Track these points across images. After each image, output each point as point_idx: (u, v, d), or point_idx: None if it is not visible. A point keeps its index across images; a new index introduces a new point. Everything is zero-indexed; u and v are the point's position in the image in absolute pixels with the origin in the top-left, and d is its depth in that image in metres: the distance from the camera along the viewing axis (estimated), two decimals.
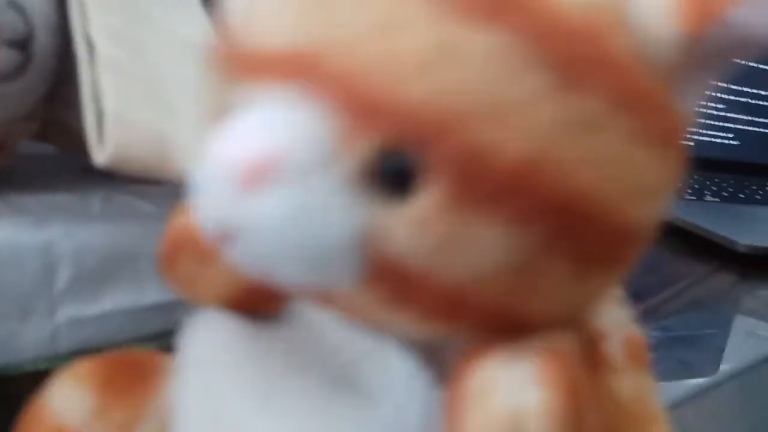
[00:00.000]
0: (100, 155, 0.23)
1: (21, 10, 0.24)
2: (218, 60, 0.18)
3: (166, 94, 0.27)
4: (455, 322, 0.16)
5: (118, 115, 0.23)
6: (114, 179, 0.34)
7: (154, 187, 0.33)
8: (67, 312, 0.28)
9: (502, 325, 0.16)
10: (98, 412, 0.21)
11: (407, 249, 0.14)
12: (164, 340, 0.32)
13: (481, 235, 0.14)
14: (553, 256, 0.14)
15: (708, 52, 0.15)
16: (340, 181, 0.14)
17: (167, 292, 0.31)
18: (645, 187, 0.15)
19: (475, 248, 0.14)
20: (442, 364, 0.19)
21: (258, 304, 0.22)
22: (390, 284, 0.15)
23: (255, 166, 0.14)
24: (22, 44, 0.25)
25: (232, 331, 0.22)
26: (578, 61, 0.14)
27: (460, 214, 0.14)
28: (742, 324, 0.59)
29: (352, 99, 0.14)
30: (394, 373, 0.19)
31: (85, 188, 0.32)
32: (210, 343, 0.22)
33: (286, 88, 0.14)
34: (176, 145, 0.26)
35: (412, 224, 0.14)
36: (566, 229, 0.14)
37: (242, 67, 0.16)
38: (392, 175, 0.14)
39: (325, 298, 0.17)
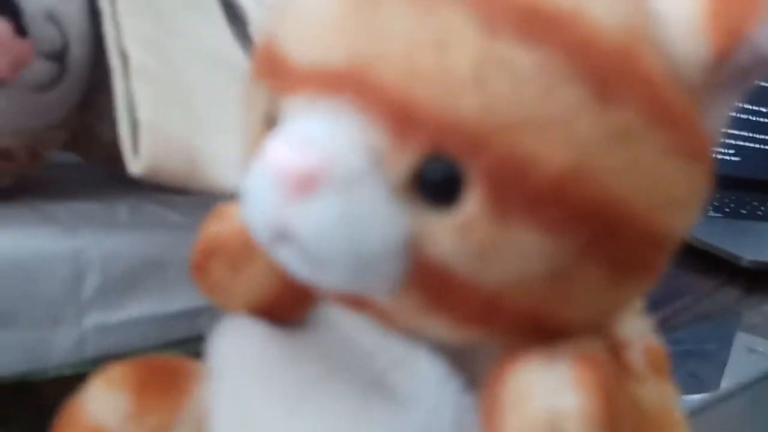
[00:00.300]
0: (135, 166, 0.24)
1: (58, 23, 0.25)
2: (261, 72, 0.18)
3: (196, 104, 0.27)
4: (491, 328, 0.16)
5: (153, 126, 0.24)
6: (141, 189, 0.35)
7: (181, 197, 0.34)
8: (94, 319, 0.29)
9: (535, 330, 0.16)
10: (133, 416, 0.22)
11: (449, 255, 0.15)
12: (189, 346, 0.32)
13: (520, 242, 0.15)
14: (589, 263, 0.15)
15: (734, 71, 0.16)
16: (385, 189, 0.15)
17: (193, 299, 0.32)
18: (676, 198, 0.16)
19: (514, 255, 0.15)
20: (473, 369, 0.19)
21: (287, 309, 0.23)
22: (430, 290, 0.16)
23: (304, 173, 0.15)
24: (59, 56, 0.25)
25: (262, 336, 0.22)
26: (614, 77, 0.14)
27: (500, 221, 0.14)
28: (743, 340, 0.59)
29: (400, 110, 0.14)
30: (426, 378, 0.19)
31: (112, 197, 0.33)
32: (240, 348, 0.22)
33: (334, 100, 0.15)
34: (207, 155, 0.26)
35: (455, 231, 0.15)
36: (602, 237, 0.15)
37: (288, 79, 0.16)
38: (436, 183, 0.15)
39: (362, 303, 0.18)
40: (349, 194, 0.15)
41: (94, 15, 0.27)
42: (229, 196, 0.28)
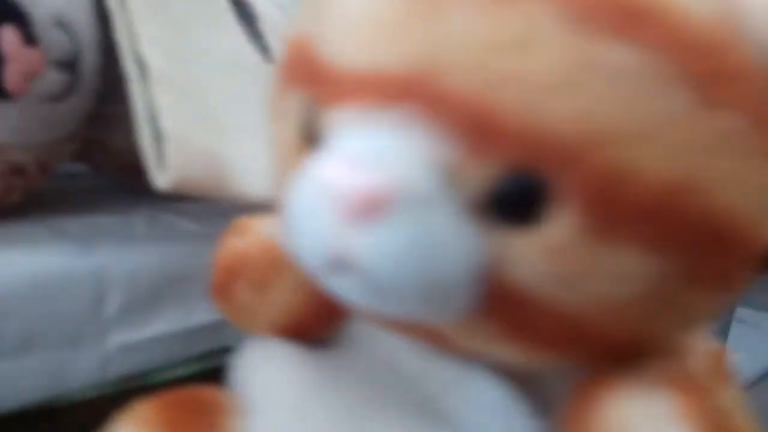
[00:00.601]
0: (162, 179, 0.22)
1: (68, 28, 0.24)
2: (294, 78, 0.17)
3: (216, 110, 0.26)
4: (571, 352, 0.15)
5: (178, 136, 0.22)
6: (154, 198, 0.33)
7: (196, 205, 0.33)
8: (116, 338, 0.27)
9: (618, 351, 0.15)
10: None
11: (534, 278, 0.14)
12: (211, 360, 0.31)
13: (617, 262, 0.13)
14: (689, 280, 0.14)
15: None
16: (459, 208, 0.13)
17: (213, 311, 0.30)
18: None
19: (610, 276, 0.13)
20: (539, 392, 0.18)
21: (315, 328, 0.21)
22: (506, 315, 0.14)
23: (370, 196, 0.13)
24: (70, 64, 0.24)
25: (296, 362, 0.21)
26: (717, 78, 0.13)
27: (595, 240, 0.13)
28: None
29: (475, 121, 0.13)
30: (485, 402, 0.18)
31: (126, 209, 0.31)
32: (275, 378, 0.21)
33: (395, 111, 0.14)
34: (231, 163, 0.25)
35: (542, 252, 0.13)
36: (707, 252, 0.13)
37: (333, 87, 0.15)
38: (517, 200, 0.13)
39: (415, 328, 0.17)
40: (419, 217, 0.13)
41: (104, 21, 0.26)
42: (253, 205, 0.27)
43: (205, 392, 0.22)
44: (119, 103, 0.29)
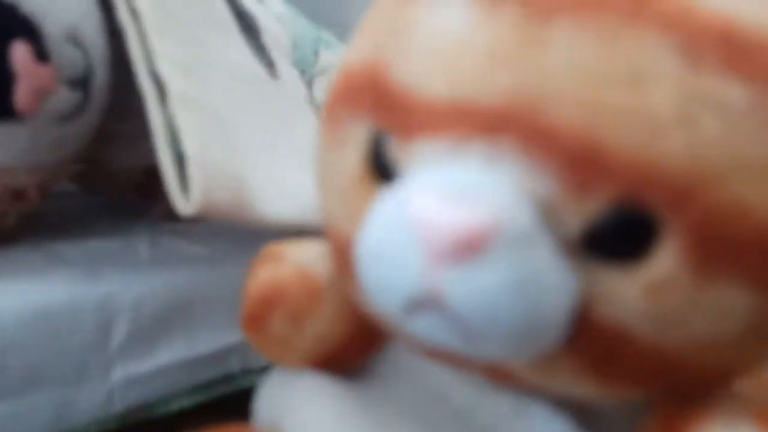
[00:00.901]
0: (186, 205, 0.21)
1: (80, 44, 0.22)
2: (359, 105, 0.16)
3: (235, 130, 0.25)
4: (659, 387, 0.15)
5: (202, 159, 0.21)
6: (152, 220, 0.32)
7: (198, 226, 0.31)
8: (122, 371, 0.26)
9: (708, 385, 0.15)
10: None
11: (631, 316, 0.13)
12: (216, 389, 0.30)
13: (721, 299, 0.13)
14: None
15: None
16: (557, 245, 0.13)
17: (221, 338, 0.29)
18: None
19: (710, 313, 0.13)
20: (598, 426, 0.17)
21: (352, 358, 0.21)
22: (594, 352, 0.14)
23: (469, 234, 0.12)
24: (83, 82, 0.22)
25: (336, 396, 0.20)
26: None
27: (698, 277, 0.13)
28: None
29: (581, 155, 0.12)
30: None
31: (126, 232, 0.30)
32: (314, 413, 0.20)
33: (490, 144, 0.13)
34: (255, 187, 0.24)
35: (642, 290, 0.13)
36: None
37: (414, 118, 0.14)
38: (618, 237, 0.13)
39: (478, 363, 0.16)
40: (518, 257, 0.12)
41: (114, 36, 0.24)
42: (278, 230, 0.25)
43: (238, 429, 0.21)
44: (122, 121, 0.28)
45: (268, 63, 0.31)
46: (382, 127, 0.15)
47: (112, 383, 0.26)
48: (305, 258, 0.20)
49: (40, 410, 0.24)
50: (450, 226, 0.12)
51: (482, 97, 0.13)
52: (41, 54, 0.21)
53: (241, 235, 0.27)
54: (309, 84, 0.37)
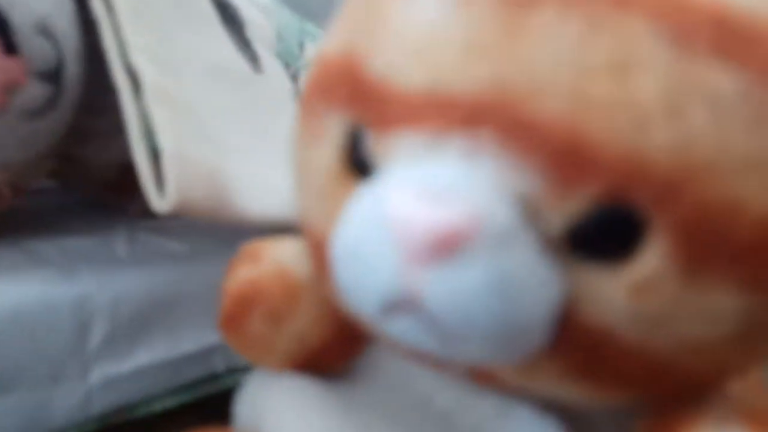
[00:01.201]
0: (161, 202, 0.20)
1: (50, 36, 0.21)
2: (334, 97, 0.15)
3: (211, 124, 0.24)
4: (646, 390, 0.14)
5: (178, 155, 0.20)
6: (129, 215, 0.31)
7: (176, 222, 0.30)
8: (100, 372, 0.25)
9: (699, 388, 0.14)
10: None
11: (616, 318, 0.12)
12: (199, 389, 0.29)
13: (709, 300, 0.12)
14: None
15: None
16: (539, 244, 0.12)
17: (203, 337, 0.28)
18: None
19: (701, 315, 0.12)
20: (586, 428, 0.17)
21: (333, 361, 0.20)
22: (578, 355, 0.13)
23: (446, 233, 0.12)
24: (54, 76, 0.22)
25: (316, 398, 0.19)
26: None
27: (688, 278, 0.12)
28: None
29: (564, 149, 0.12)
30: None
31: (103, 228, 0.29)
32: (294, 416, 0.19)
33: (469, 138, 0.12)
34: (233, 183, 0.23)
35: (628, 290, 0.12)
36: None
37: (390, 110, 0.13)
38: (604, 235, 0.12)
39: (459, 365, 0.15)
40: (497, 256, 0.12)
41: (87, 27, 0.23)
42: (257, 226, 0.25)
43: None
44: (97, 116, 0.27)
45: (252, 56, 0.31)
46: (359, 120, 0.14)
47: (90, 384, 0.25)
48: (285, 256, 0.20)
49: (14, 412, 0.23)
50: (426, 225, 0.12)
51: (460, 88, 0.12)
52: (10, 46, 0.20)
53: (222, 231, 0.27)
54: (294, 78, 0.36)
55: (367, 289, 0.13)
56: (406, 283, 0.12)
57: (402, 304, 0.13)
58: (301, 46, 0.38)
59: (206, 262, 0.28)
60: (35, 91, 0.21)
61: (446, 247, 0.12)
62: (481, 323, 0.12)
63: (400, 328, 0.13)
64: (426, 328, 0.13)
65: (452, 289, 0.12)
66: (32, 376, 0.23)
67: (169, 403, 0.28)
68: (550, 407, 0.17)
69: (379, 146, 0.14)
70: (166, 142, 0.20)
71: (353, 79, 0.14)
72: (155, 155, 0.21)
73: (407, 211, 0.12)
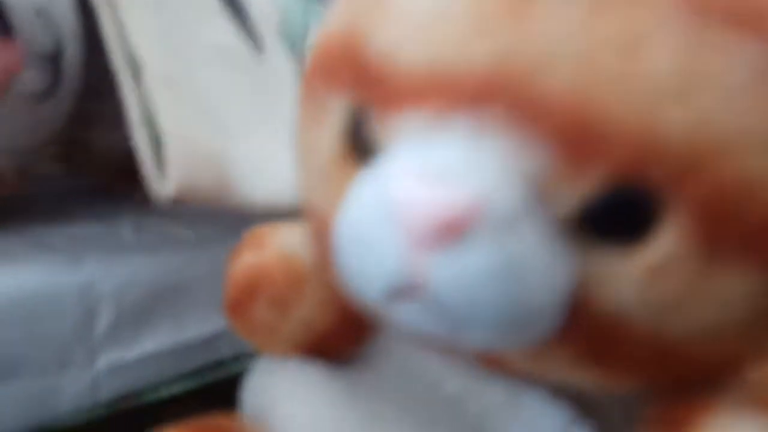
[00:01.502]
0: (163, 187, 0.20)
1: (49, 19, 0.21)
2: (336, 79, 0.15)
3: (213, 107, 0.24)
4: (659, 376, 0.14)
5: (179, 138, 0.20)
6: (137, 200, 0.31)
7: (184, 209, 0.30)
8: (107, 358, 0.25)
9: (712, 373, 0.14)
10: None
11: (629, 302, 0.12)
12: (206, 375, 0.29)
13: (725, 283, 0.12)
14: None
15: None
16: (549, 226, 0.12)
17: (209, 323, 0.28)
18: None
19: (717, 299, 0.12)
20: (595, 415, 0.17)
21: (341, 347, 0.20)
22: (590, 340, 0.13)
23: (451, 217, 0.11)
24: (53, 59, 0.21)
25: (324, 385, 0.19)
26: None
27: (706, 260, 0.12)
28: None
29: (574, 127, 0.11)
30: (539, 426, 0.17)
31: (110, 215, 0.29)
32: (302, 403, 0.19)
33: (474, 116, 0.12)
34: (236, 167, 0.22)
35: (645, 273, 0.12)
36: None
37: (392, 90, 0.13)
38: (617, 216, 0.12)
39: (468, 351, 0.15)
40: (505, 239, 0.11)
41: (86, 11, 0.23)
42: (261, 212, 0.24)
43: (226, 421, 0.20)
44: (101, 101, 0.27)
45: (255, 37, 0.30)
46: (361, 100, 0.14)
47: (97, 370, 0.25)
48: (289, 242, 0.19)
49: (21, 398, 0.23)
50: (430, 209, 0.11)
51: (464, 66, 0.12)
52: (8, 29, 0.20)
53: (227, 217, 0.27)
54: (300, 59, 0.36)
55: (371, 275, 0.13)
56: (411, 268, 0.12)
57: (407, 290, 0.12)
58: (306, 27, 0.37)
59: (212, 248, 0.28)
60: (35, 75, 0.21)
61: (451, 231, 0.11)
62: (487, 308, 0.12)
63: (406, 315, 0.13)
64: (432, 315, 0.13)
65: (458, 273, 0.12)
66: (39, 362, 0.23)
67: (176, 389, 0.28)
68: (560, 392, 0.16)
69: (382, 127, 0.13)
70: (166, 125, 0.20)
71: (355, 59, 0.14)
72: (157, 140, 0.20)
73: (410, 194, 0.12)
